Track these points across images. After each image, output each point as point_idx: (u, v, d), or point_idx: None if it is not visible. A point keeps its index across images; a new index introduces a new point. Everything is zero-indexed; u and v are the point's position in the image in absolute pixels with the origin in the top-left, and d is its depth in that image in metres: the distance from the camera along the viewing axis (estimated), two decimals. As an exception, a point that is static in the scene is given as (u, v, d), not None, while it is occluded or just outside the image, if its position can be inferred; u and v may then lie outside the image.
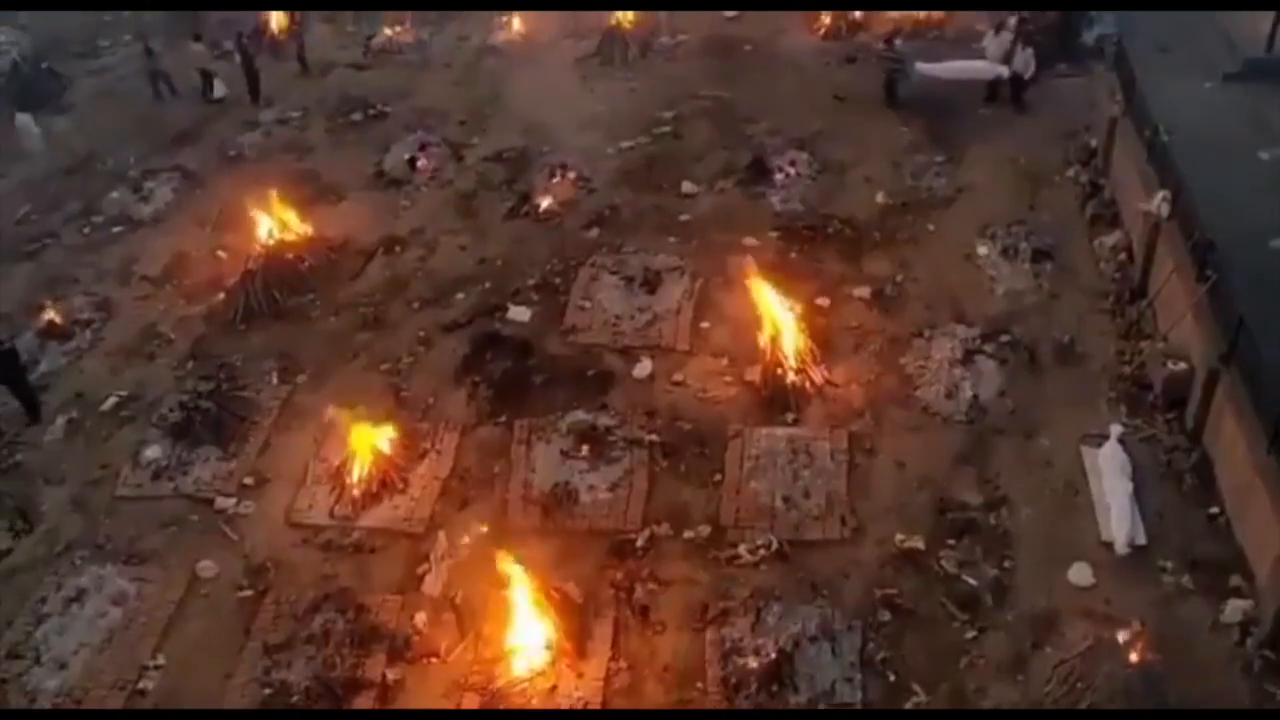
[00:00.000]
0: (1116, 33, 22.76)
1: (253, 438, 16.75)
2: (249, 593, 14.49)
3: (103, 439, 17.09)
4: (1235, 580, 13.55)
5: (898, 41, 23.61)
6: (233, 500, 15.82)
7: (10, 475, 16.63)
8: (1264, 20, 21.31)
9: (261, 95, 26.11)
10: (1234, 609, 13.20)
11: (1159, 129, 18.45)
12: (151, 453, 16.57)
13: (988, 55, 22.86)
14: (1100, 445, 15.16)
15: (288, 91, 26.27)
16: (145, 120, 25.44)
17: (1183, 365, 15.69)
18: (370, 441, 15.71)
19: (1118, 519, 14.15)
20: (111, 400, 17.74)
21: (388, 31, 28.26)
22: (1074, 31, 24.40)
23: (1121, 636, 12.28)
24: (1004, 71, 22.54)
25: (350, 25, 29.28)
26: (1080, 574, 13.84)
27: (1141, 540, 14.05)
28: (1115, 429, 15.19)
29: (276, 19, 28.12)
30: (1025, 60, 22.24)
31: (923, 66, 23.19)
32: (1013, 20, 23.23)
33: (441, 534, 14.77)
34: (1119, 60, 21.32)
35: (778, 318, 16.87)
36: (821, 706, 12.60)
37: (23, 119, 24.36)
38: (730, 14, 27.86)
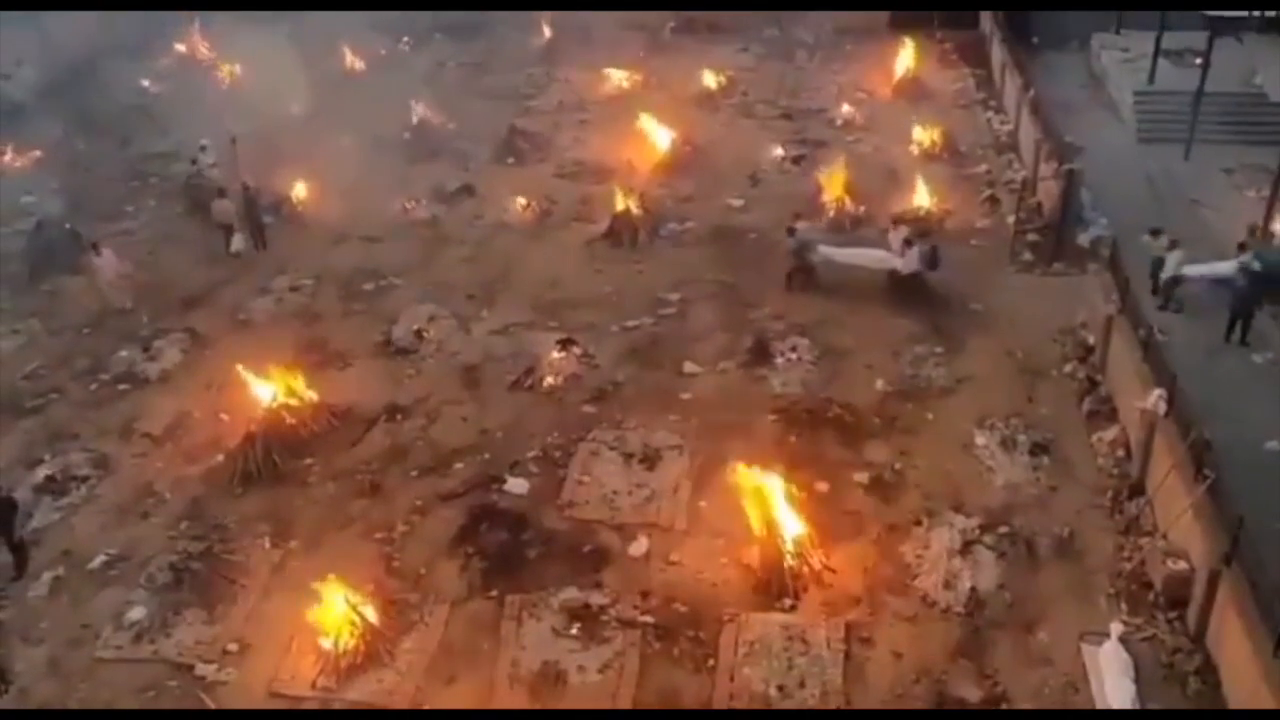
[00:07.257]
0: (1111, 235, 23.51)
1: (240, 602, 16.50)
2: (222, 765, 14.03)
3: (87, 598, 16.83)
4: (1245, 792, 13.13)
5: (800, 225, 24.83)
6: (214, 666, 15.47)
7: (-12, 633, 16.33)
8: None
9: (268, 244, 27.04)
10: (1244, 823, 12.76)
11: (1153, 329, 18.84)
12: (135, 614, 16.29)
13: (892, 246, 24.04)
14: (1100, 643, 14.89)
15: (301, 260, 26.88)
16: (159, 281, 25.98)
17: (1183, 564, 15.55)
18: (358, 611, 15.44)
19: (1121, 723, 13.79)
20: (100, 559, 17.55)
21: (405, 206, 29.14)
22: (1070, 233, 25.17)
23: None
24: (898, 264, 23.42)
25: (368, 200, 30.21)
26: (1084, 779, 13.42)
27: (1147, 746, 13.67)
28: (1116, 628, 14.94)
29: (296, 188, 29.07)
30: (909, 260, 23.32)
31: (825, 249, 24.48)
32: (904, 227, 24.63)
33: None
34: (1113, 261, 21.93)
35: (776, 518, 16.78)
36: None
37: (99, 261, 24.85)
38: (737, 203, 28.77)
